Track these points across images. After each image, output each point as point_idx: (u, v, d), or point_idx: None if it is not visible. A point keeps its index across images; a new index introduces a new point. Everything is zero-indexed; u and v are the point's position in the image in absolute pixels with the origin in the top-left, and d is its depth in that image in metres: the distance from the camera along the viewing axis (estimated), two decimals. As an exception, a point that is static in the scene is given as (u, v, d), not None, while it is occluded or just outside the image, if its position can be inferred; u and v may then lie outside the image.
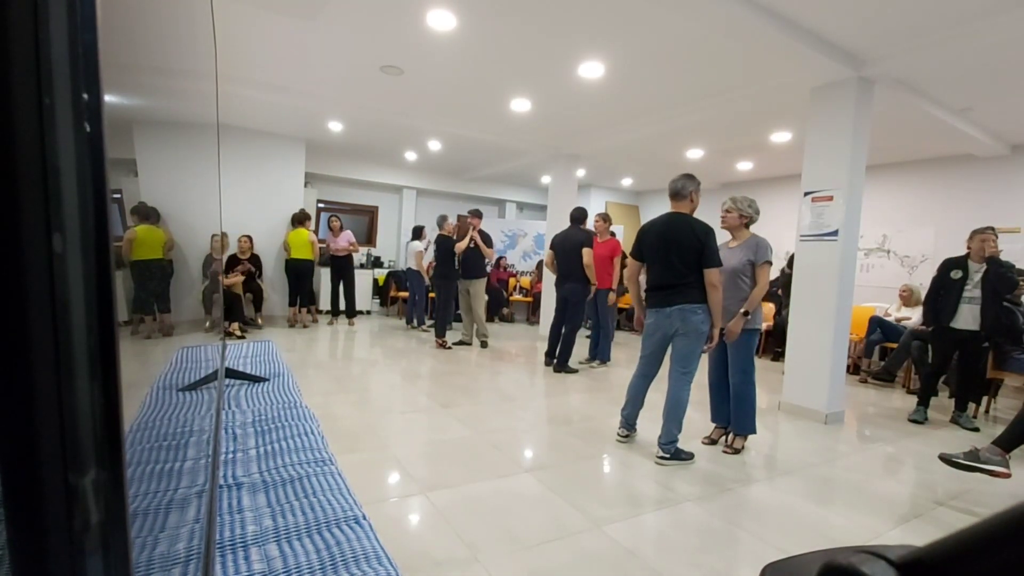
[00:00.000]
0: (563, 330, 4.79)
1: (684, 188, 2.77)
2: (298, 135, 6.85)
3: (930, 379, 3.89)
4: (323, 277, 7.32)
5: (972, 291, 3.67)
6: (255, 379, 1.01)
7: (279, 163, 6.82)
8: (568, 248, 4.71)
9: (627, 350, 6.20)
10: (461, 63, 4.12)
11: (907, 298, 5.39)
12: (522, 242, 9.37)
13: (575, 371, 4.79)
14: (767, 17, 3.01)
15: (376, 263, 8.56)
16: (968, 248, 3.77)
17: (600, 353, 5.17)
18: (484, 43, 3.73)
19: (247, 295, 6.01)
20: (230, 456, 0.58)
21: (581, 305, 4.74)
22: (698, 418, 3.44)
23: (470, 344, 5.81)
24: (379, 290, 8.39)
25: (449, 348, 5.59)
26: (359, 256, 7.81)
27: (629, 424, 2.97)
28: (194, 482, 0.40)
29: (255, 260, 6.31)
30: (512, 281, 8.79)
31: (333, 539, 0.46)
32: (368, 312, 8.12)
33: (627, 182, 9.00)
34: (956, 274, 3.73)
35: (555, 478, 2.43)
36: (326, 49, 4.02)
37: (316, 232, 8.01)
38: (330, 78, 4.66)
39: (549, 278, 6.16)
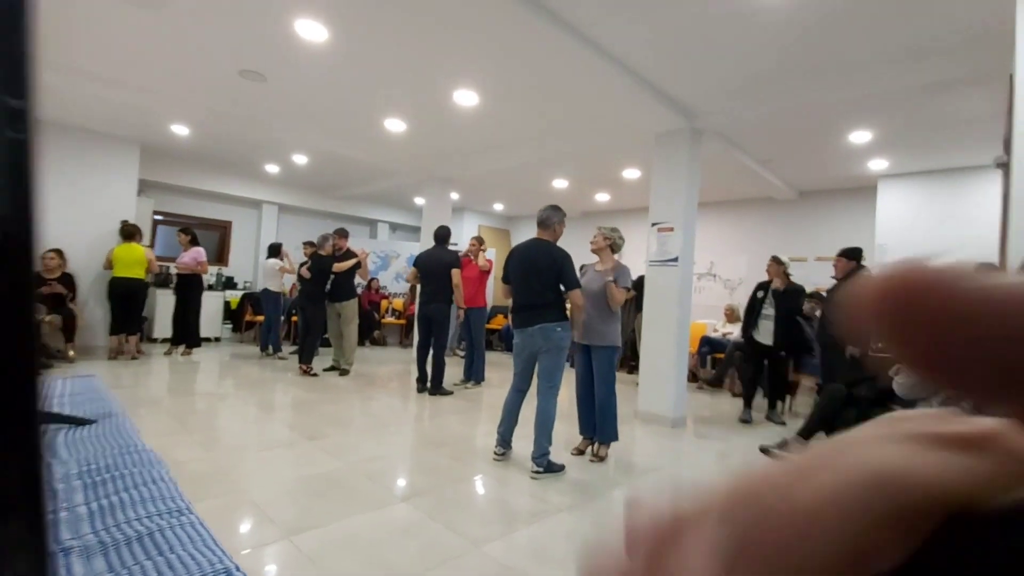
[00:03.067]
0: (431, 352, 4.76)
1: (549, 219, 3.01)
2: (131, 136, 5.95)
3: (748, 384, 4.60)
4: (160, 300, 6.37)
5: (768, 309, 4.43)
6: (78, 422, 0.83)
7: (104, 167, 5.82)
8: (434, 268, 4.70)
9: (500, 369, 6.35)
10: (332, 77, 3.97)
11: (730, 315, 6.36)
12: (395, 263, 9.17)
13: (450, 393, 4.77)
14: (618, 67, 3.40)
15: (228, 284, 7.70)
16: (768, 272, 4.57)
17: (474, 374, 5.23)
18: (357, 60, 3.65)
19: (51, 320, 4.96)
20: (62, 516, 0.47)
21: (445, 324, 4.77)
22: (567, 431, 3.65)
23: (341, 371, 5.47)
24: (232, 314, 7.55)
25: (315, 375, 5.21)
26: (208, 277, 6.95)
27: (505, 441, 3.04)
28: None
29: (67, 280, 5.28)
30: (384, 303, 8.53)
31: (204, 596, 0.41)
32: (218, 339, 7.24)
33: (499, 207, 9.35)
34: (760, 294, 4.49)
35: (432, 503, 2.39)
36: (174, 44, 3.59)
37: (152, 247, 6.98)
38: (176, 76, 4.16)
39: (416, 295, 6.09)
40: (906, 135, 4.43)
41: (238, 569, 0.49)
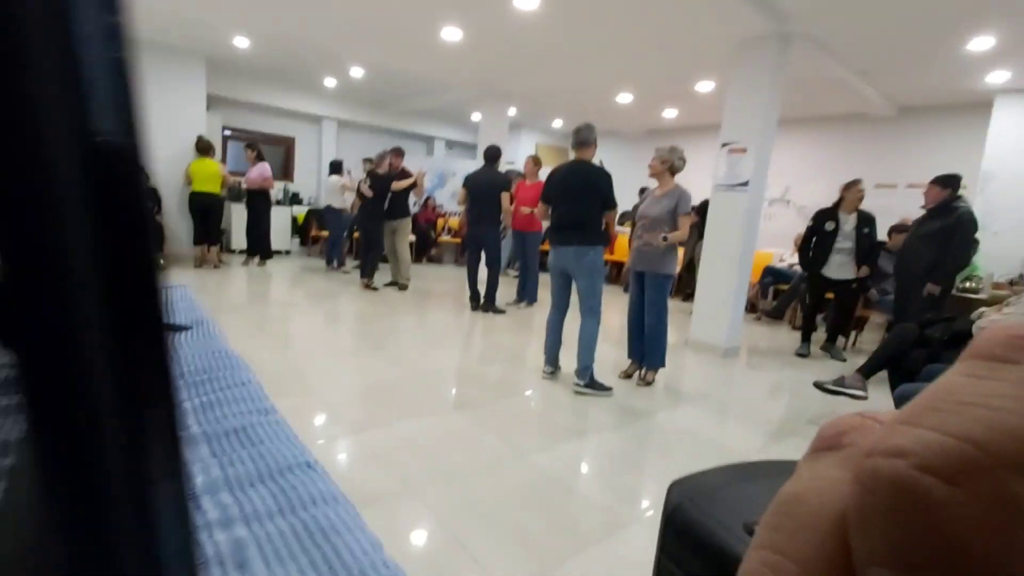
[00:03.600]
0: (486, 272, 4.83)
1: (589, 138, 2.94)
2: (197, 49, 6.05)
3: (809, 318, 4.42)
4: (234, 213, 6.77)
5: (843, 243, 4.08)
6: (177, 328, 0.96)
7: (175, 82, 6.01)
8: (484, 190, 4.65)
9: (553, 291, 6.42)
10: (386, -18, 3.78)
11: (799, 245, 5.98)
12: (451, 182, 9.15)
13: (503, 311, 4.91)
14: (700, -37, 3.01)
15: (294, 199, 8.02)
16: (841, 197, 4.09)
17: (527, 295, 5.33)
18: (411, -38, 3.43)
19: (145, 232, 5.44)
20: (181, 408, 0.57)
21: (495, 245, 4.81)
22: (617, 355, 3.71)
23: (400, 286, 5.73)
24: (299, 229, 7.93)
25: (376, 289, 5.49)
26: (275, 192, 7.26)
27: (552, 360, 3.15)
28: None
29: (153, 194, 5.69)
30: (440, 221, 8.65)
31: (288, 483, 0.48)
32: (287, 252, 7.70)
33: (558, 124, 8.95)
34: (829, 226, 4.09)
35: (483, 415, 2.56)
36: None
37: (224, 162, 7.30)
38: (233, -14, 4.10)
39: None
40: (1043, 39, 3.74)
41: (316, 463, 0.55)
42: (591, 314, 2.92)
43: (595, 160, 3.00)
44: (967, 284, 4.25)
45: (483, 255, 4.88)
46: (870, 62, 4.50)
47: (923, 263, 3.67)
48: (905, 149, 5.92)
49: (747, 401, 3.13)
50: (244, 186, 6.19)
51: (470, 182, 4.77)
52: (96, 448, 0.15)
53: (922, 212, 3.86)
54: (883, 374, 2.75)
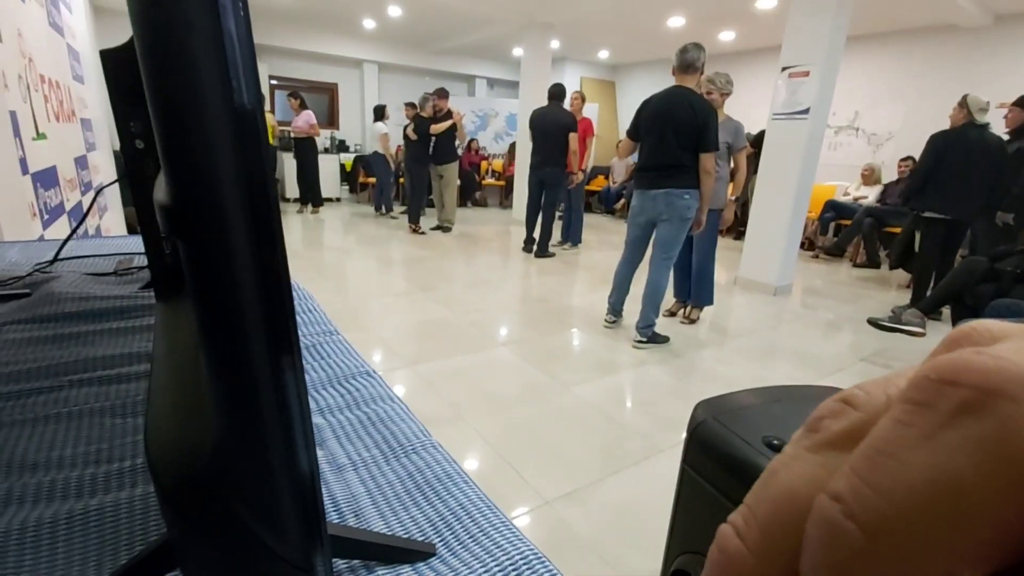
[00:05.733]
0: (541, 216, 4.78)
1: (695, 60, 2.50)
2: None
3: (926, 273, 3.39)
4: (286, 163, 6.99)
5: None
6: None
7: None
8: (549, 129, 4.50)
9: (598, 232, 6.36)
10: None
11: (868, 177, 5.57)
12: (493, 123, 8.99)
13: (552, 255, 4.94)
14: None
15: (341, 147, 8.17)
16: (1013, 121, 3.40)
17: (572, 236, 5.31)
18: None
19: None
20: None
21: (559, 188, 4.73)
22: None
23: (444, 228, 5.85)
24: (347, 176, 8.12)
25: (423, 234, 5.63)
26: (322, 140, 7.41)
27: (616, 311, 3.03)
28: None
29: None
30: (484, 164, 8.59)
31: (352, 387, 0.58)
32: (338, 199, 7.95)
33: (603, 55, 8.47)
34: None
35: (529, 351, 2.68)
36: None
37: (272, 112, 7.48)
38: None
39: (522, 161, 6.05)
40: None
41: (374, 372, 0.65)
42: (664, 264, 2.69)
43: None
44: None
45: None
46: (963, -39, 3.94)
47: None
48: (999, 64, 5.25)
49: (796, 339, 3.08)
50: (292, 135, 6.35)
51: (534, 121, 4.58)
52: (240, 317, 0.23)
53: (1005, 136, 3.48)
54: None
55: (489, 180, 8.54)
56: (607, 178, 8.12)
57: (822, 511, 0.09)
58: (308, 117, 6.22)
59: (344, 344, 0.70)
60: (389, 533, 0.38)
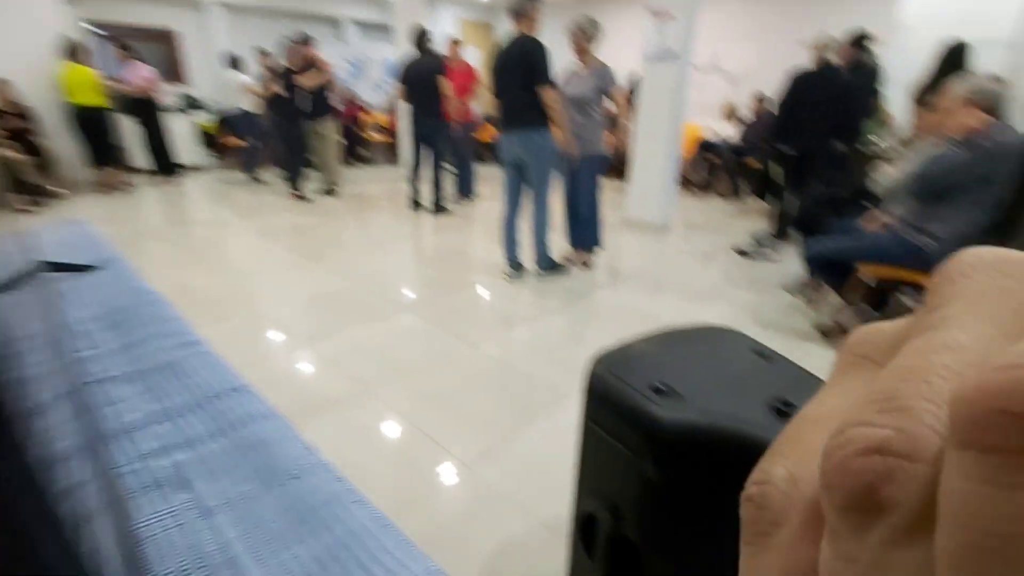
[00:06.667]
0: (433, 171, 4.61)
1: (521, 6, 2.66)
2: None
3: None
4: (128, 128, 5.99)
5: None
6: (80, 268, 0.88)
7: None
8: (419, 79, 4.28)
9: (491, 184, 6.32)
10: None
11: (728, 112, 6.03)
12: (369, 69, 8.35)
13: (447, 210, 4.81)
14: None
15: (193, 104, 7.14)
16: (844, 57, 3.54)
17: (463, 188, 5.21)
18: None
19: (24, 160, 4.76)
20: (84, 354, 0.55)
21: (442, 141, 4.56)
22: (556, 241, 3.81)
23: (329, 191, 5.44)
24: (211, 139, 7.17)
25: (308, 200, 5.21)
26: (173, 98, 6.39)
27: (514, 264, 3.07)
28: (60, 384, 0.42)
29: (26, 113, 4.90)
30: (366, 117, 8.02)
31: (221, 408, 0.51)
32: (198, 167, 7.03)
33: (480, -6, 8.12)
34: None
35: (433, 313, 2.64)
36: None
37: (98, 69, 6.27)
38: None
39: (406, 112, 5.73)
40: None
41: (245, 386, 0.59)
42: (539, 202, 2.89)
43: None
44: (872, 142, 4.49)
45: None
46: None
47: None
48: (832, 6, 5.83)
49: (679, 274, 3.36)
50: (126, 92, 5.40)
51: (404, 74, 4.32)
52: None
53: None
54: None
55: (374, 135, 8.03)
56: (497, 127, 8.00)
57: (768, 485, 0.10)
58: (140, 70, 5.31)
59: (208, 356, 0.62)
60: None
